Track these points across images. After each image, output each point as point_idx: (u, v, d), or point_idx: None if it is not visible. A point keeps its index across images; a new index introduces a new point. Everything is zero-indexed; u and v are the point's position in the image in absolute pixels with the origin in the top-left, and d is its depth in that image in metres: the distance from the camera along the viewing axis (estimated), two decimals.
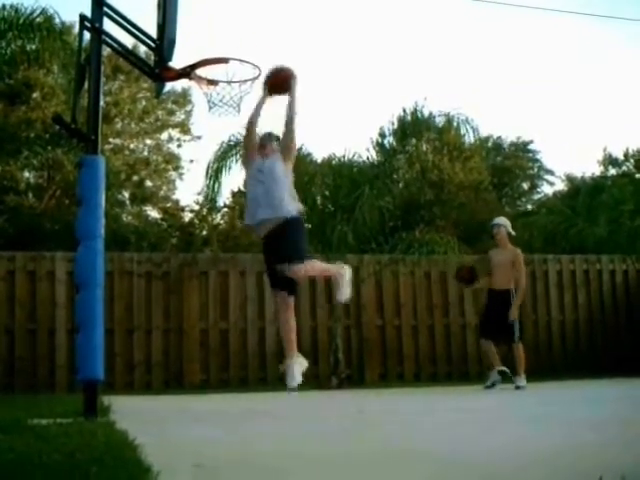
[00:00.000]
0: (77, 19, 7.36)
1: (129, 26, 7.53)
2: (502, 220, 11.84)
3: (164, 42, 7.26)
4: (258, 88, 7.70)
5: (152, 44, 7.52)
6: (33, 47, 12.98)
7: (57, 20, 12.33)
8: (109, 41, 7.49)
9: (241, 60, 7.32)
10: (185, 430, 6.04)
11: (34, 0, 12.43)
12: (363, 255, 13.36)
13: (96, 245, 6.85)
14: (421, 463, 4.09)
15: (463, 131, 13.44)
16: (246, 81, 7.44)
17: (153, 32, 7.57)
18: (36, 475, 3.57)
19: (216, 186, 13.12)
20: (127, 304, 12.40)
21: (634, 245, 14.48)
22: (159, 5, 7.62)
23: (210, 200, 14.47)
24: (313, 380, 12.57)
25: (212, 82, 7.48)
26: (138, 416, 7.00)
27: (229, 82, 7.44)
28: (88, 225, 6.89)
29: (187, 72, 7.37)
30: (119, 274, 12.34)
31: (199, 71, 7.46)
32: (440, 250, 12.81)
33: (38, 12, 12.12)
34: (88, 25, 7.30)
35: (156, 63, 7.46)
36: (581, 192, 16.58)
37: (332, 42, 48.27)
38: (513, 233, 11.82)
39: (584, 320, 14.40)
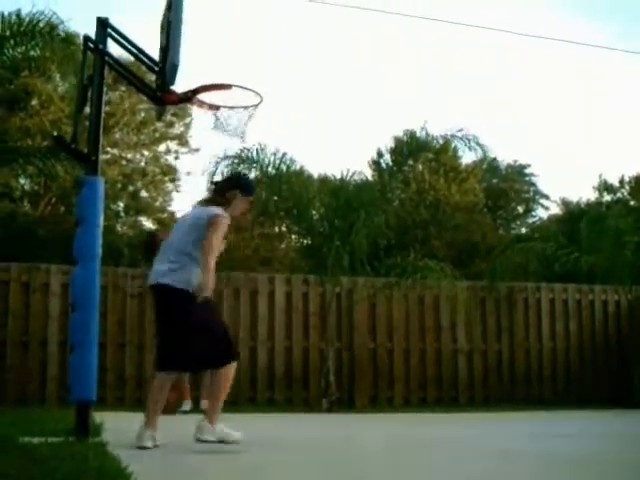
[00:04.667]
0: (79, 30, 7.38)
1: (133, 49, 7.57)
2: None
3: (167, 66, 7.27)
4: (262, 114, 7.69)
5: (155, 67, 7.54)
6: (35, 54, 12.96)
7: (60, 27, 12.26)
8: (112, 63, 7.52)
9: (243, 87, 7.34)
10: (176, 457, 6.05)
11: (36, 6, 12.36)
12: (357, 278, 13.36)
13: (93, 266, 6.86)
14: None
15: (469, 150, 13.40)
16: (247, 107, 7.46)
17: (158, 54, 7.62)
18: None
19: None
20: (120, 319, 12.40)
21: (637, 277, 14.43)
22: (162, 28, 7.65)
23: None
24: (303, 403, 12.63)
25: (214, 107, 7.50)
26: (131, 437, 7.00)
27: (231, 107, 7.46)
28: (86, 245, 6.90)
29: (189, 97, 7.40)
30: (112, 288, 12.33)
31: (201, 95, 7.48)
32: (433, 276, 12.84)
33: (41, 19, 12.08)
34: (92, 46, 7.34)
35: (158, 86, 7.47)
36: (584, 220, 16.53)
37: (335, 62, 48.44)
38: None
39: (575, 349, 14.40)
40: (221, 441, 6.26)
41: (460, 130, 13.22)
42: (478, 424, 10.52)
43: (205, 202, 6.99)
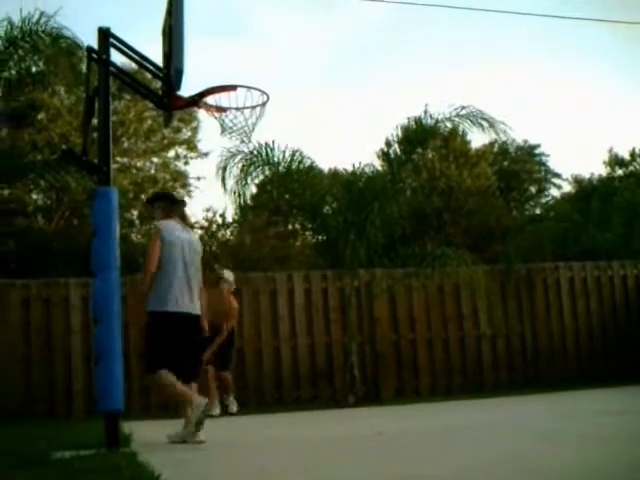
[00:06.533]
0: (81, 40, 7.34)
1: (136, 57, 7.56)
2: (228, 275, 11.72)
3: (171, 72, 7.26)
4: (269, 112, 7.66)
5: (160, 74, 7.54)
6: (39, 69, 12.95)
7: (52, 26, 12.13)
8: (117, 72, 7.52)
9: (248, 87, 7.32)
10: (209, 464, 6.04)
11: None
12: (375, 270, 13.32)
13: (112, 277, 6.87)
14: None
15: (475, 127, 13.07)
16: (254, 107, 7.44)
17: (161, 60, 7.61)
18: None
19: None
20: (141, 327, 12.35)
21: None
22: (164, 33, 7.64)
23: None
24: (329, 399, 12.60)
25: (221, 109, 7.49)
26: (160, 445, 7.01)
27: (238, 109, 7.44)
28: (103, 257, 6.91)
29: (195, 100, 7.39)
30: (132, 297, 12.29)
31: (207, 98, 7.47)
32: (453, 264, 12.78)
33: (39, 28, 11.98)
34: (96, 57, 7.33)
35: (164, 93, 7.47)
36: (593, 196, 16.49)
37: (340, 55, 48.38)
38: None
39: (597, 326, 14.32)
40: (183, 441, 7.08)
41: (464, 108, 12.98)
42: (518, 407, 10.51)
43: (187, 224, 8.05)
